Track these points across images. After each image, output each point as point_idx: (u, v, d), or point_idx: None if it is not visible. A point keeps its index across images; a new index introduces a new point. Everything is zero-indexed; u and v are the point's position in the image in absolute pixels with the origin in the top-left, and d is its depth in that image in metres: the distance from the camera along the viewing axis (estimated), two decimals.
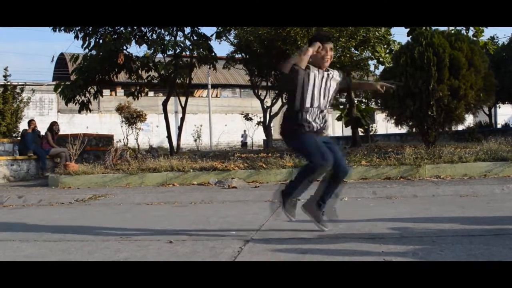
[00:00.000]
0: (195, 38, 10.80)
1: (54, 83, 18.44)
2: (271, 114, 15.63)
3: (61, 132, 11.68)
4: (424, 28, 9.57)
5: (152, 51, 10.17)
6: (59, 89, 10.94)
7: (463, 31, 9.92)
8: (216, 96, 33.37)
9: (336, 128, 30.76)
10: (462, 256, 2.91)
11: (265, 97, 16.17)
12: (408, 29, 10.92)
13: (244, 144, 28.16)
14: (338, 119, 16.52)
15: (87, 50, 10.60)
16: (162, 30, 10.48)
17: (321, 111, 3.72)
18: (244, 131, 26.83)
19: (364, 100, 15.66)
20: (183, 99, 12.18)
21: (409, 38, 9.12)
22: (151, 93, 27.42)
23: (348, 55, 9.64)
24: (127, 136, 10.11)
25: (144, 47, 11.79)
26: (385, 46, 10.88)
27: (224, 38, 11.45)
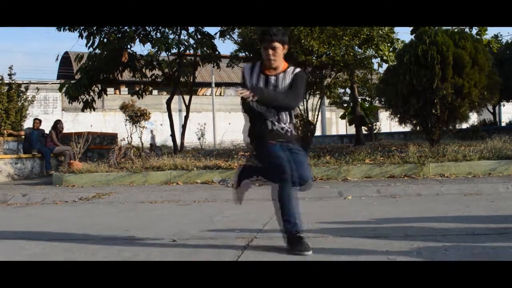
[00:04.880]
0: (199, 36, 10.78)
1: (58, 81, 18.47)
2: None
3: (65, 131, 11.72)
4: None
5: (156, 49, 10.16)
6: (64, 88, 10.96)
7: (467, 30, 9.86)
8: (220, 94, 33.36)
9: (340, 127, 30.73)
10: (467, 255, 2.90)
11: None
12: (411, 28, 10.89)
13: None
14: (342, 117, 16.46)
15: (91, 49, 10.62)
16: (166, 29, 10.48)
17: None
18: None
19: (368, 99, 15.58)
20: (187, 97, 12.17)
21: (412, 37, 9.09)
22: (155, 92, 27.40)
23: (351, 54, 9.58)
24: (131, 134, 10.13)
25: (148, 45, 11.78)
26: (389, 44, 10.83)
27: (228, 36, 11.38)
